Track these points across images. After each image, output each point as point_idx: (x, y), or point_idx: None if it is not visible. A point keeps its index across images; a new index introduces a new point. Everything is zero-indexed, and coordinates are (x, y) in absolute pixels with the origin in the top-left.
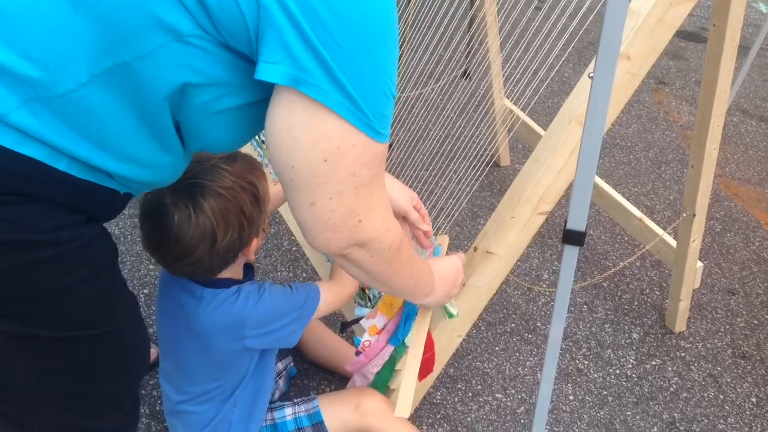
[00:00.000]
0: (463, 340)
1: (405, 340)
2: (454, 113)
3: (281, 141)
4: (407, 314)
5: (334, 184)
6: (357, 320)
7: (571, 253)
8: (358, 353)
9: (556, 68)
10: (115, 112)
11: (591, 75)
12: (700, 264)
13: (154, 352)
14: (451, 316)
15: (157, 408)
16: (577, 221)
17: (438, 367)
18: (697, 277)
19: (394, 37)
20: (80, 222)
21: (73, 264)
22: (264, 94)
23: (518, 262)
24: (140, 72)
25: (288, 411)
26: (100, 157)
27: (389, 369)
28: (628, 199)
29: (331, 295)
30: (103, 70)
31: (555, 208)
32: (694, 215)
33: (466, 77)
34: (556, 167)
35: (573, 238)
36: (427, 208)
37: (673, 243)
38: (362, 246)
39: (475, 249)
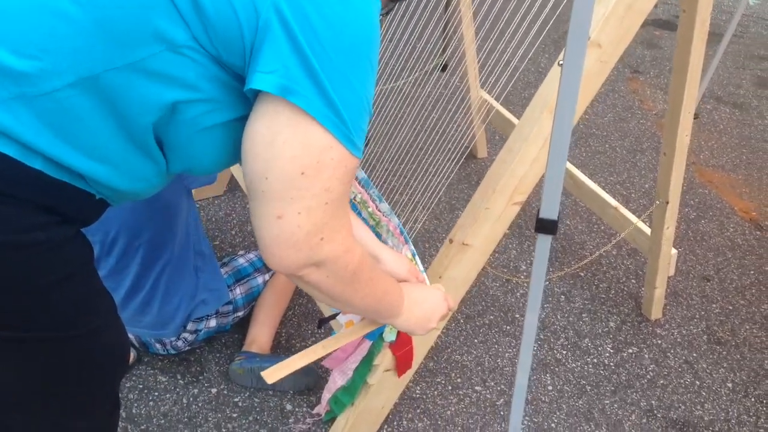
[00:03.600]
0: (442, 333)
1: (383, 335)
2: (430, 105)
3: (259, 150)
4: None
5: (307, 198)
6: (334, 316)
7: (544, 242)
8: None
9: (530, 57)
10: (98, 117)
11: (560, 63)
12: (674, 251)
13: (131, 354)
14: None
15: (134, 411)
16: (549, 210)
17: (416, 361)
18: (672, 264)
19: (377, 54)
20: (55, 223)
21: (49, 265)
22: (249, 110)
23: (496, 254)
24: (129, 80)
25: None
26: (74, 157)
27: (367, 364)
28: (604, 189)
29: None
30: (92, 74)
31: (531, 198)
32: (667, 202)
33: (443, 69)
34: (530, 157)
35: (546, 226)
36: (404, 201)
37: (648, 231)
38: (319, 266)
39: (451, 241)
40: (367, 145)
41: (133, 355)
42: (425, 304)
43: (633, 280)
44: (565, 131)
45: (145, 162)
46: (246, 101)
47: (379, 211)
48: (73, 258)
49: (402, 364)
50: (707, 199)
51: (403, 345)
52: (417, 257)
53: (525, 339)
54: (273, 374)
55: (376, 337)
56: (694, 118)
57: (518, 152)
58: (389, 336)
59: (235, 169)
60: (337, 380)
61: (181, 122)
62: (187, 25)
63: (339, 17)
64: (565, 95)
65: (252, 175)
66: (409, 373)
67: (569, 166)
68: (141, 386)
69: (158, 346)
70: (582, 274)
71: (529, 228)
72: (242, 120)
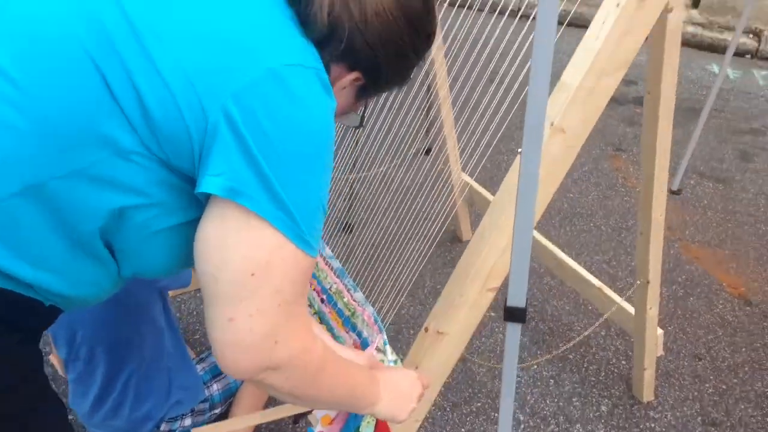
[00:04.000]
0: (428, 423)
1: (359, 430)
2: (414, 189)
3: (209, 253)
4: None
5: (258, 300)
6: (310, 411)
7: (514, 330)
8: None
9: (512, 138)
10: (43, 225)
11: (520, 151)
12: (660, 331)
13: None
14: None
15: None
16: (517, 298)
17: None
18: (659, 344)
19: (331, 153)
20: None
21: None
22: (201, 212)
23: (482, 338)
24: (74, 186)
25: None
26: (20, 267)
27: None
28: (590, 268)
29: None
30: (38, 182)
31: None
32: (648, 282)
33: (427, 153)
34: (500, 245)
35: (514, 315)
36: (388, 288)
37: (633, 311)
38: (277, 369)
39: (426, 329)
40: (351, 231)
41: None
42: (401, 385)
43: (623, 361)
44: (527, 219)
45: (95, 267)
46: (198, 204)
47: (354, 300)
48: (17, 370)
49: None
50: (694, 275)
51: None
52: (388, 346)
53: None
54: None
55: (352, 430)
56: (677, 194)
57: (488, 239)
58: (367, 429)
59: None
60: None
61: (130, 227)
62: (135, 130)
63: (289, 118)
64: (526, 183)
65: (204, 276)
66: None
67: (551, 246)
68: None
69: None
70: (571, 357)
71: None
72: (195, 223)
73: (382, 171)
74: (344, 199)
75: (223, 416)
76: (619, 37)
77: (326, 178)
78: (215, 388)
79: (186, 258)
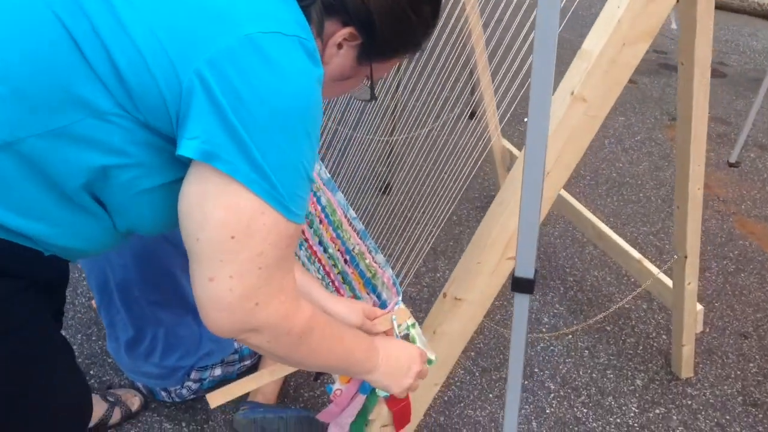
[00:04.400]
0: (455, 386)
1: (376, 390)
2: (458, 152)
3: (191, 213)
4: None
5: (237, 262)
6: None
7: (521, 301)
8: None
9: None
10: (26, 179)
11: (526, 119)
12: (700, 307)
13: (99, 410)
14: (430, 362)
15: None
16: (525, 268)
17: (415, 418)
18: (699, 320)
19: (315, 121)
20: None
21: None
22: (185, 172)
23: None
24: (53, 145)
25: None
26: (8, 217)
27: (362, 419)
28: (635, 239)
29: None
30: (14, 139)
31: (558, 248)
32: (686, 257)
33: (471, 116)
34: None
35: (522, 285)
36: (426, 253)
37: (671, 284)
38: (258, 332)
39: (445, 295)
40: (389, 192)
41: (139, 400)
42: (401, 358)
43: (664, 336)
44: (535, 189)
45: (88, 220)
46: (182, 164)
47: (375, 262)
48: (17, 313)
49: (399, 419)
50: (748, 251)
51: (399, 400)
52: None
53: (509, 407)
54: (217, 398)
55: (369, 391)
56: (735, 167)
57: (507, 206)
58: (383, 391)
59: None
60: None
61: (115, 186)
62: (111, 93)
63: (266, 83)
64: (532, 150)
65: (186, 235)
66: (410, 429)
67: (590, 216)
68: None
69: (163, 393)
70: (608, 329)
71: (554, 279)
72: (180, 182)
73: (424, 132)
74: (383, 161)
75: (253, 368)
76: (642, 4)
77: (309, 145)
78: None
79: (175, 217)
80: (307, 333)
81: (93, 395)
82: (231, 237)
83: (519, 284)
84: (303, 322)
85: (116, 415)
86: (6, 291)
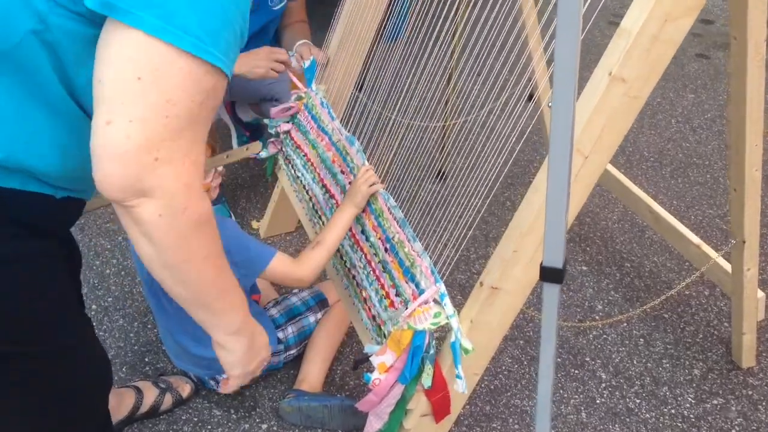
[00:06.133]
0: (503, 375)
1: (418, 379)
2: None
3: (98, 57)
4: (413, 351)
5: (141, 106)
6: (367, 358)
7: (551, 291)
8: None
9: None
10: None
11: (550, 104)
12: (762, 294)
13: (151, 396)
14: (466, 352)
15: None
16: (553, 258)
17: (455, 408)
18: (760, 308)
19: None
20: (20, 236)
21: (8, 279)
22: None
23: (570, 293)
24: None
25: None
26: (10, 153)
27: (401, 408)
28: (699, 223)
29: (282, 266)
30: None
31: (614, 232)
32: (744, 242)
33: (530, 99)
34: None
35: (551, 275)
36: (480, 238)
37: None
38: (151, 197)
39: (481, 284)
40: (445, 179)
41: (190, 387)
42: (257, 339)
43: (726, 324)
44: (561, 175)
45: (79, 122)
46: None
47: (414, 251)
48: (39, 273)
49: (439, 409)
50: None
51: (438, 390)
52: (447, 299)
53: (540, 401)
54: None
55: (409, 380)
56: None
57: (544, 192)
58: (426, 381)
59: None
60: (373, 424)
61: (63, 46)
62: None
63: None
64: (558, 135)
65: (94, 85)
66: (450, 419)
67: (648, 199)
68: (196, 419)
69: (212, 382)
70: (666, 316)
71: (610, 265)
72: None
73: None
74: (437, 147)
75: (298, 358)
76: None
77: None
78: (290, 330)
79: None
80: (203, 224)
81: (145, 382)
82: (137, 78)
83: (547, 274)
84: (203, 210)
85: (167, 401)
86: (34, 251)
